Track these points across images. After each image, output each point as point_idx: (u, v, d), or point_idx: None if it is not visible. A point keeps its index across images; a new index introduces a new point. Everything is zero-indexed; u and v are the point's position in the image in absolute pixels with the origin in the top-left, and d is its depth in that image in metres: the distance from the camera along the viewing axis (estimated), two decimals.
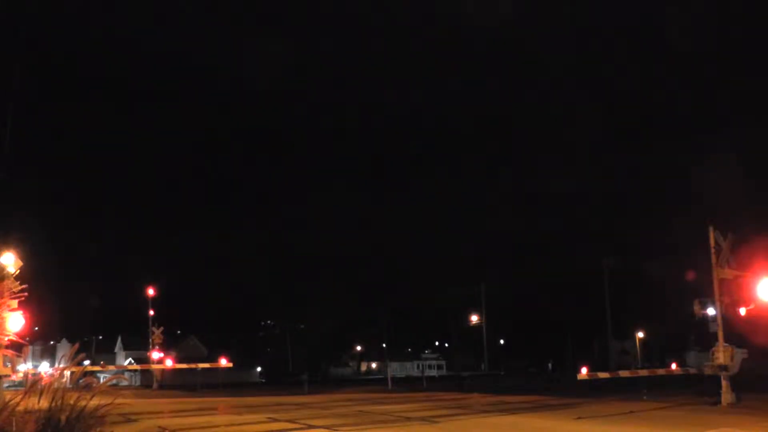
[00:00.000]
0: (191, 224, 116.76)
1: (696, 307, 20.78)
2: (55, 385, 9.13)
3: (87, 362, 13.14)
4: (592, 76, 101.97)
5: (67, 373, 9.78)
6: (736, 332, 20.10)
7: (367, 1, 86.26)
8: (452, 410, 18.52)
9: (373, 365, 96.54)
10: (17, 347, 12.08)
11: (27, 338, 12.48)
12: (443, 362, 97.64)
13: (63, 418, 8.87)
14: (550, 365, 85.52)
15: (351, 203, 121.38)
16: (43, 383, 9.25)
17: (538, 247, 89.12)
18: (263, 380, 71.99)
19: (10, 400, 8.86)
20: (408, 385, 41.53)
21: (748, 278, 18.59)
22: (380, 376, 65.23)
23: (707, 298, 19.98)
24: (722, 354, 19.20)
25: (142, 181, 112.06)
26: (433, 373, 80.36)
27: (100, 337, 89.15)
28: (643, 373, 26.87)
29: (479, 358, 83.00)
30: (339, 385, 44.62)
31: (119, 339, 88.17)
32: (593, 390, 26.22)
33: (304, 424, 14.82)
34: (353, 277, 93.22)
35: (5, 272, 12.32)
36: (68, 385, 9.34)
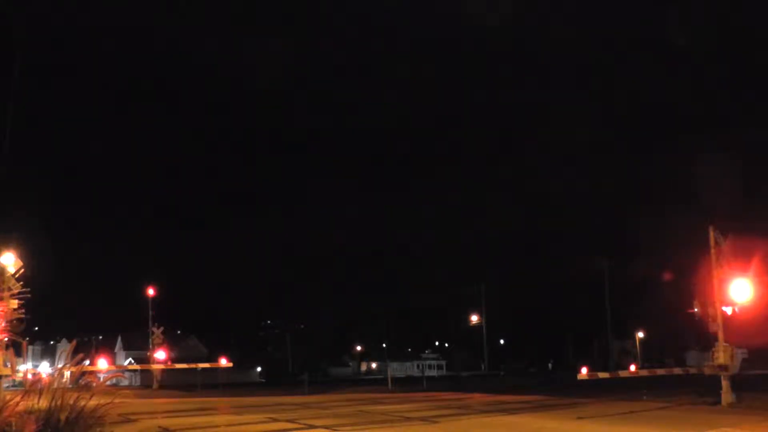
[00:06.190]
0: (191, 224, 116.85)
1: (696, 307, 20.77)
2: (55, 384, 9.13)
3: (87, 362, 13.13)
4: (592, 75, 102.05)
5: (67, 372, 9.78)
6: (736, 332, 20.09)
7: (366, 1, 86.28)
8: (452, 410, 18.51)
9: (373, 365, 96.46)
10: (17, 347, 12.09)
11: (27, 338, 12.48)
12: (443, 362, 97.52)
13: (62, 417, 8.87)
14: (550, 365, 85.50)
15: (351, 203, 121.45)
16: (42, 383, 9.25)
17: (538, 246, 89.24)
18: (263, 380, 71.90)
19: (9, 400, 8.86)
20: (408, 385, 41.46)
21: (747, 278, 18.61)
22: (380, 376, 65.16)
23: (707, 298, 19.97)
24: (722, 354, 19.21)
25: (142, 180, 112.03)
26: (433, 373, 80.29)
27: (100, 337, 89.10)
28: (643, 373, 26.88)
29: (479, 358, 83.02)
30: (339, 385, 44.52)
31: (119, 339, 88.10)
32: (593, 390, 26.21)
33: (304, 424, 14.81)
34: (353, 277, 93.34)
35: (5, 272, 12.32)
36: (68, 385, 9.35)
